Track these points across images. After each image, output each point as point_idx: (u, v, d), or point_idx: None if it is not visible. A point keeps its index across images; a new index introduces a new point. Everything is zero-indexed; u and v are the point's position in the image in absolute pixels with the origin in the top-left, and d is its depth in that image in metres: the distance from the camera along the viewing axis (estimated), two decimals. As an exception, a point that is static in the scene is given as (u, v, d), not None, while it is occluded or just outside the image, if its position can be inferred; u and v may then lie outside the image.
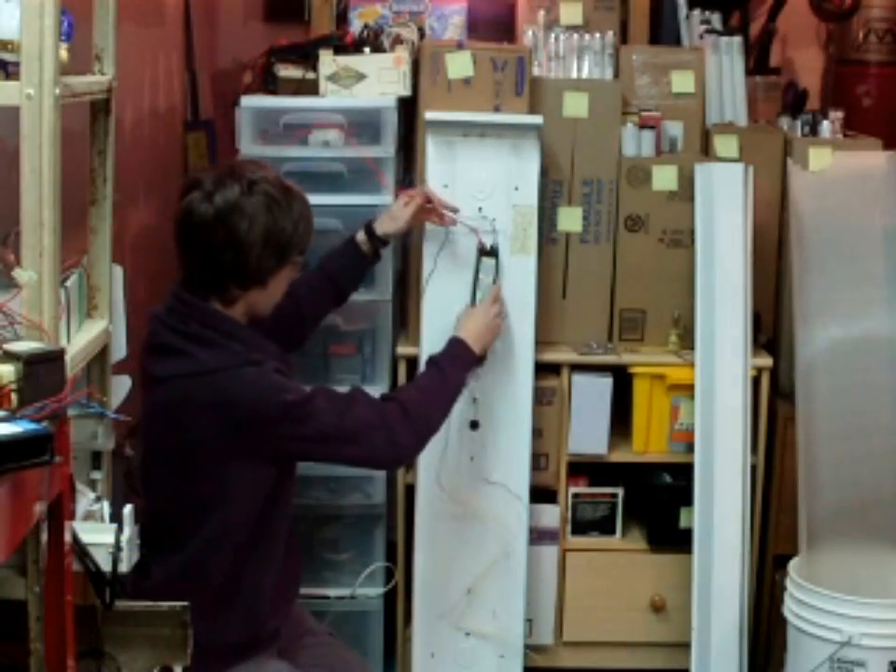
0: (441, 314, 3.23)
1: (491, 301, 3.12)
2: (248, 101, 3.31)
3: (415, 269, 3.35)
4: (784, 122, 3.73)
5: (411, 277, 3.44)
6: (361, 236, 3.07)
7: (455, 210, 3.22)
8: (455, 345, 2.97)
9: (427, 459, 3.27)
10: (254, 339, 2.65)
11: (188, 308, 2.62)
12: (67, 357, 1.94)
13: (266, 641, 2.68)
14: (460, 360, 2.94)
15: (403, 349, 3.41)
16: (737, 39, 3.68)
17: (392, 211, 3.11)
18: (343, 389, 2.74)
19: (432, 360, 2.93)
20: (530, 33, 3.64)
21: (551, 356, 3.44)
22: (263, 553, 2.65)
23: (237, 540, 2.61)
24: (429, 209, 3.17)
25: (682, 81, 3.57)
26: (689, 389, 3.41)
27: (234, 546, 2.61)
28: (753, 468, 3.42)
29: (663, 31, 3.87)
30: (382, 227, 3.08)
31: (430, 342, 3.24)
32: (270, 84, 3.40)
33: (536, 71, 3.51)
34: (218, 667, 2.58)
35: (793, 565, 3.16)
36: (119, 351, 2.67)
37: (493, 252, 3.23)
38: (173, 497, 2.63)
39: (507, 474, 3.31)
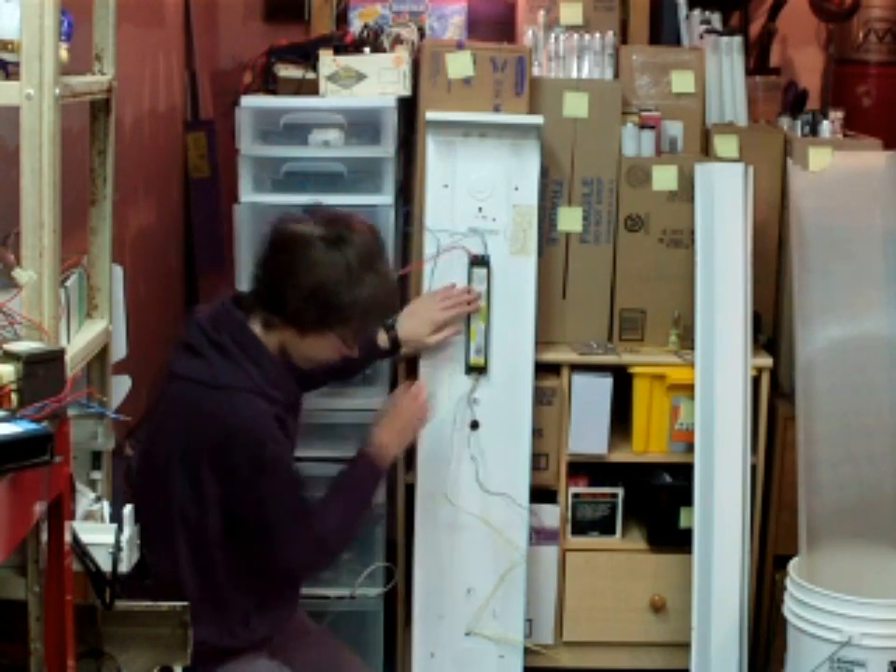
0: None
1: (413, 396, 2.98)
2: (248, 101, 3.30)
3: (415, 269, 3.35)
4: (784, 122, 3.73)
5: (410, 277, 3.43)
6: (382, 336, 3.07)
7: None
8: (364, 466, 2.81)
9: (426, 460, 3.28)
10: (275, 372, 2.65)
11: (226, 318, 2.64)
12: (67, 357, 1.94)
13: (257, 645, 2.68)
14: (369, 481, 2.81)
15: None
16: (737, 39, 3.68)
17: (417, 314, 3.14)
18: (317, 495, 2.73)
19: (343, 481, 2.78)
20: (530, 33, 3.64)
21: (551, 356, 3.44)
22: (241, 566, 2.65)
23: (211, 550, 2.61)
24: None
25: (682, 81, 3.57)
26: (689, 389, 3.41)
27: (209, 556, 2.60)
28: (753, 468, 3.42)
29: (663, 31, 3.87)
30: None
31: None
32: (270, 84, 3.40)
33: (536, 71, 3.51)
34: (207, 667, 2.57)
35: (793, 565, 3.16)
36: (119, 351, 2.67)
37: (483, 261, 3.24)
38: (155, 496, 2.63)
39: (507, 474, 3.31)
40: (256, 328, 2.64)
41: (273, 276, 2.62)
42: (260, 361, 2.61)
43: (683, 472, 3.44)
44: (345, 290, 2.58)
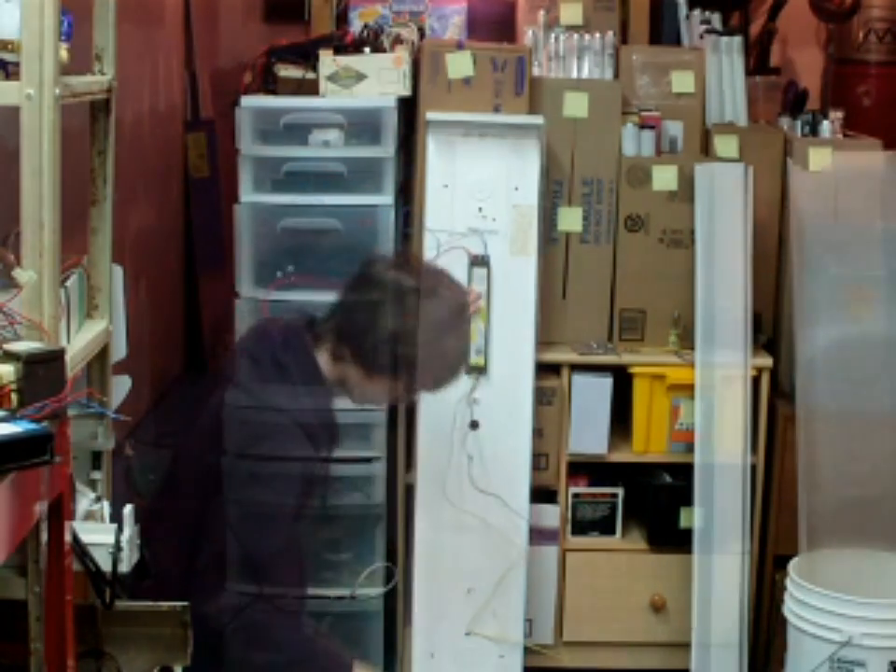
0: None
1: None
2: (248, 101, 3.30)
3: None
4: (784, 122, 3.73)
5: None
6: None
7: None
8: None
9: (426, 460, 3.27)
10: (323, 405, 2.69)
11: (297, 341, 2.66)
12: (67, 357, 1.94)
13: None
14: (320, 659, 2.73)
15: (403, 349, 3.41)
16: (737, 39, 3.68)
17: None
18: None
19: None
20: (530, 33, 3.64)
21: (551, 356, 3.44)
22: None
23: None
24: None
25: (682, 81, 3.57)
26: (689, 389, 3.41)
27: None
28: (753, 468, 3.42)
29: (663, 31, 3.87)
30: None
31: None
32: (270, 84, 3.39)
33: (536, 71, 3.51)
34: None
35: (793, 565, 3.16)
36: (119, 351, 2.67)
37: (483, 261, 3.24)
38: (189, 495, 2.65)
39: (507, 474, 3.31)
40: (322, 356, 2.64)
41: (358, 315, 2.63)
42: (316, 392, 2.62)
43: (683, 472, 3.44)
44: (427, 345, 2.62)
